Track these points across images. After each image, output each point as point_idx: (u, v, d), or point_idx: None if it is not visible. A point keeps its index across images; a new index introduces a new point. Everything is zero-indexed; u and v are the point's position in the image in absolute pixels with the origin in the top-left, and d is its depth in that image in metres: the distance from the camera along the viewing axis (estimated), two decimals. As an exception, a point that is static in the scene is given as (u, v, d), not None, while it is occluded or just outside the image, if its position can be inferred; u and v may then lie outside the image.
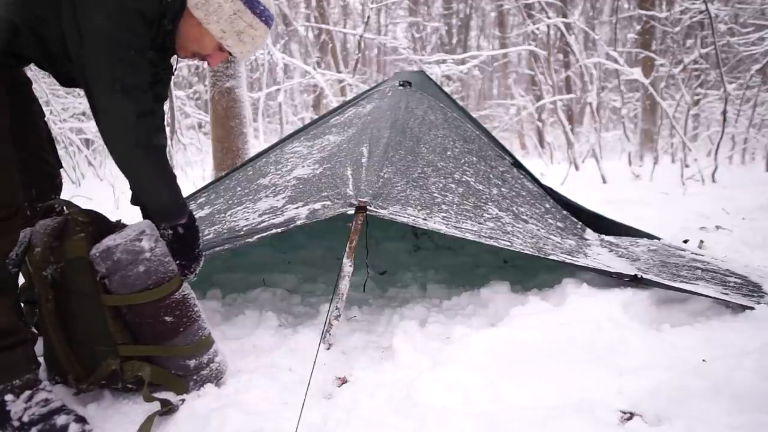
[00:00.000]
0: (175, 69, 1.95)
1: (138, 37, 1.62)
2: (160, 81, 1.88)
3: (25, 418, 1.57)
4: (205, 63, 1.89)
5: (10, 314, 1.62)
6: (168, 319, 1.73)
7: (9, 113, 1.64)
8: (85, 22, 1.56)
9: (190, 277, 1.91)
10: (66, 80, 1.83)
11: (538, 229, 2.59)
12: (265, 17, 1.77)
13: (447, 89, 7.52)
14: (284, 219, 2.22)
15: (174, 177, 1.77)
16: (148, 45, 1.67)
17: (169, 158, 1.83)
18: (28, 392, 1.59)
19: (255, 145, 8.21)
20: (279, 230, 2.17)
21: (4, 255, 1.61)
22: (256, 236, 2.18)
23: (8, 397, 1.58)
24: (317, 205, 2.24)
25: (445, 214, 2.32)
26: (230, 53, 1.82)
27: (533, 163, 9.91)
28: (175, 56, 1.88)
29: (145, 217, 1.87)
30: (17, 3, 1.63)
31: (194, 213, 2.75)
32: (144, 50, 1.65)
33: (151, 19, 1.65)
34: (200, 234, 1.95)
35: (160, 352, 1.76)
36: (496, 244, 2.23)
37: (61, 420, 1.59)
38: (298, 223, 2.17)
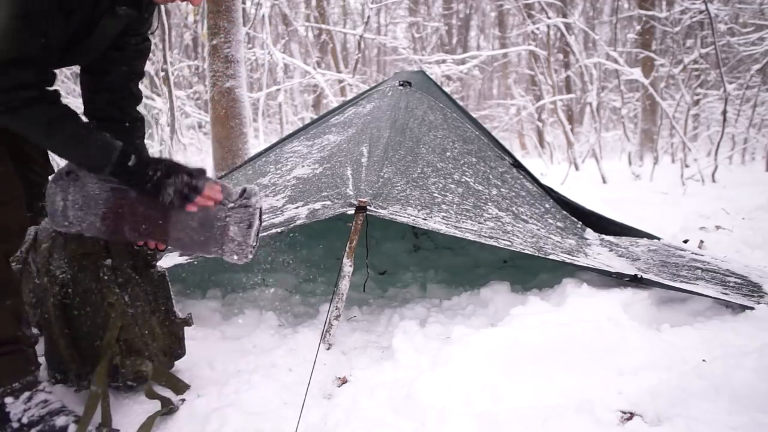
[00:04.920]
0: (156, 27, 1.77)
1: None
2: (139, 54, 1.80)
3: (25, 420, 1.57)
4: (189, 6, 1.76)
5: (12, 322, 1.58)
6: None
7: None
8: None
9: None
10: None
11: (538, 229, 2.59)
12: None
13: (447, 89, 7.52)
14: (284, 219, 2.22)
15: (68, 134, 1.50)
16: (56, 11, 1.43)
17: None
18: (27, 393, 1.59)
19: (255, 145, 8.21)
20: (279, 230, 2.17)
21: (4, 255, 1.57)
22: (256, 236, 2.18)
23: (8, 400, 1.57)
24: (317, 205, 2.24)
25: (445, 214, 2.32)
26: None
27: (533, 163, 9.91)
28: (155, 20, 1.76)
29: None
30: None
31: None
32: (48, 17, 1.41)
33: None
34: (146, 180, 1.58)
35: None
36: (496, 243, 2.23)
37: (60, 421, 1.59)
38: (298, 222, 2.17)
